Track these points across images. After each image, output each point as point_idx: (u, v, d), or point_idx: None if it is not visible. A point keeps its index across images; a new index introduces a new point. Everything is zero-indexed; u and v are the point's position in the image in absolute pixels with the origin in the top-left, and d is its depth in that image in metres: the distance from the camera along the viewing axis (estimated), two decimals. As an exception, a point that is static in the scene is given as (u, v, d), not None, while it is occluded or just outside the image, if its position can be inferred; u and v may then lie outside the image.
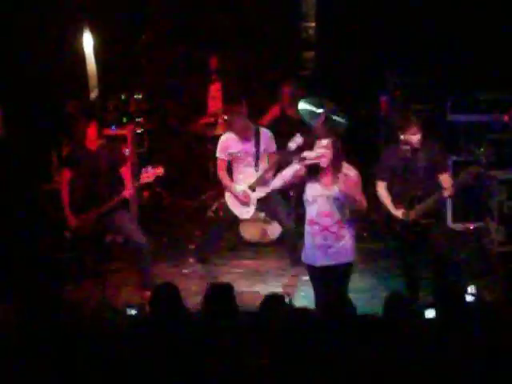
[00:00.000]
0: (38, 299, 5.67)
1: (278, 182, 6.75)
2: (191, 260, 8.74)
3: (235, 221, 8.89)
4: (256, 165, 8.41)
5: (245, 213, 8.54)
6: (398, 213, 7.28)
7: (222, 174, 8.49)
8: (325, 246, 6.53)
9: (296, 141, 8.10)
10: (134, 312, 5.49)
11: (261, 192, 8.41)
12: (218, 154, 8.50)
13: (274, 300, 5.50)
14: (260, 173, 8.42)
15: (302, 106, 8.67)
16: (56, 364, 4.91)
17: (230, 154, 8.42)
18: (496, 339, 4.89)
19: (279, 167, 8.14)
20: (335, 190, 6.43)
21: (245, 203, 8.44)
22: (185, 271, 8.63)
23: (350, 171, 6.48)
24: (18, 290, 7.29)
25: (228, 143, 8.42)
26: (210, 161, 10.26)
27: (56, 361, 4.93)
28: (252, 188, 8.40)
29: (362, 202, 6.48)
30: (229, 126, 8.52)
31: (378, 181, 7.42)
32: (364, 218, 9.09)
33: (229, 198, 8.50)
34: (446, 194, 7.20)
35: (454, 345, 4.89)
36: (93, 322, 5.66)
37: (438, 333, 5.08)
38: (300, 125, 9.02)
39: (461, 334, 4.98)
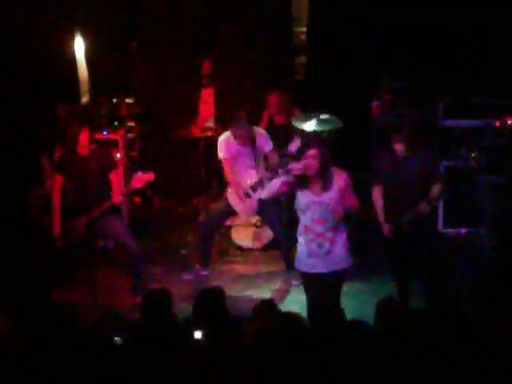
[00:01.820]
0: (31, 303, 5.66)
1: (264, 193, 6.79)
2: (197, 266, 8.70)
3: (224, 219, 8.85)
4: (254, 165, 8.41)
5: (248, 210, 8.53)
6: (385, 225, 7.26)
7: (229, 174, 8.47)
8: (319, 252, 6.52)
9: (296, 143, 8.12)
10: (119, 340, 5.34)
11: (261, 193, 8.41)
12: (220, 155, 8.47)
13: (265, 305, 5.49)
14: (259, 173, 8.41)
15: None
16: (51, 367, 4.91)
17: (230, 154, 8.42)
18: (493, 348, 4.87)
19: (278, 168, 8.16)
20: (326, 196, 6.43)
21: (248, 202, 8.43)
22: (186, 278, 8.62)
23: (339, 174, 6.48)
24: (12, 295, 7.29)
25: (227, 143, 8.42)
26: (202, 165, 10.25)
27: (52, 364, 4.93)
28: (253, 189, 8.41)
29: (355, 202, 6.50)
30: (229, 129, 8.49)
31: (373, 186, 7.39)
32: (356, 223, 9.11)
33: (232, 197, 8.48)
34: (430, 203, 7.18)
35: (448, 352, 4.89)
36: (84, 328, 5.62)
37: (431, 340, 5.06)
38: (289, 131, 9.04)
39: (455, 342, 4.98)
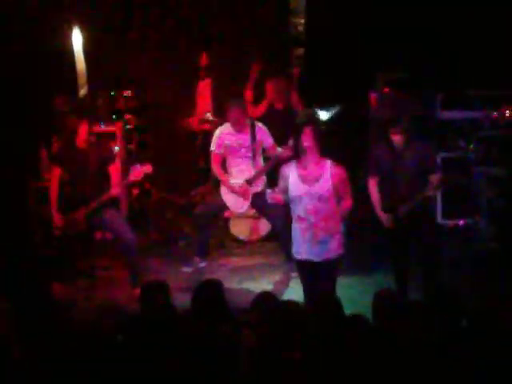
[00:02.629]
0: (28, 297, 5.66)
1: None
2: (195, 258, 8.70)
3: (220, 212, 8.84)
4: (252, 158, 8.38)
5: (239, 207, 8.51)
6: (383, 216, 7.26)
7: (217, 168, 8.46)
8: (313, 241, 6.54)
9: None
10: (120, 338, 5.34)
11: (257, 187, 8.39)
12: (212, 148, 8.46)
13: (264, 297, 5.50)
14: (257, 167, 8.39)
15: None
16: (50, 363, 4.92)
17: (225, 147, 8.38)
18: (493, 342, 4.86)
19: (279, 163, 8.17)
20: (319, 187, 6.45)
21: (241, 196, 8.39)
22: (186, 270, 8.62)
23: (335, 167, 6.49)
24: (9, 288, 7.29)
25: (223, 136, 8.39)
26: (200, 157, 10.25)
27: (50, 360, 4.93)
28: (249, 182, 8.38)
29: (349, 203, 6.54)
30: (227, 117, 8.47)
31: (369, 178, 7.39)
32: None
33: (224, 192, 8.46)
34: (428, 193, 7.17)
35: (447, 346, 4.88)
36: (82, 321, 5.63)
37: (429, 334, 5.05)
38: (288, 118, 9.04)
39: (454, 335, 4.97)
